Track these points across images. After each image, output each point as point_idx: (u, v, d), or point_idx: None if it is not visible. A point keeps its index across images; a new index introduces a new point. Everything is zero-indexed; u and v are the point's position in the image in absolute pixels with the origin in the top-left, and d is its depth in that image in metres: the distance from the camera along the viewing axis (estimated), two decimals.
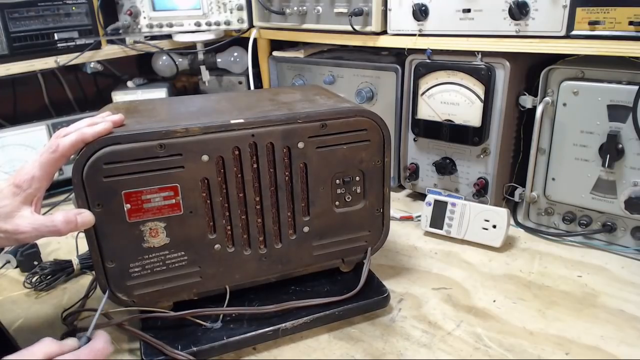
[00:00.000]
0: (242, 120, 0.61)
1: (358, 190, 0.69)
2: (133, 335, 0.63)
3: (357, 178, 0.68)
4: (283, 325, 0.64)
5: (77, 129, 0.57)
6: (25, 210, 0.55)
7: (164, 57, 1.27)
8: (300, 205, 0.66)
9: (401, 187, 1.08)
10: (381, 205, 0.71)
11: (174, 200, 0.60)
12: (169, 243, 0.62)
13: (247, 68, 1.19)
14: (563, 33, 0.78)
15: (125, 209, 0.58)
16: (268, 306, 0.65)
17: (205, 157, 0.60)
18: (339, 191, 0.68)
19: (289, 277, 0.70)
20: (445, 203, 0.88)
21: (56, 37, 1.06)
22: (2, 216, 0.53)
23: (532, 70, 0.90)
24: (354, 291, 0.67)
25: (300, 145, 0.64)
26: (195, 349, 0.60)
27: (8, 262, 0.82)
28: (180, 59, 1.27)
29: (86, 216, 0.56)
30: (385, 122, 0.68)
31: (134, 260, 0.61)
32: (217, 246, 0.64)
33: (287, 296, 0.69)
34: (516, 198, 0.93)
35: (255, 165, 0.63)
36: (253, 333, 0.63)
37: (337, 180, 0.67)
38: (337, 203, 0.68)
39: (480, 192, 0.93)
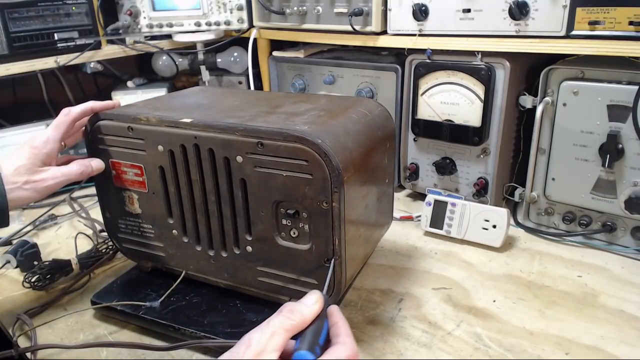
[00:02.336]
0: (188, 120, 0.62)
1: (306, 229, 0.59)
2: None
3: (304, 214, 0.59)
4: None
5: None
6: (45, 167, 0.64)
7: (164, 57, 1.27)
8: (243, 221, 0.63)
9: (401, 187, 1.08)
10: (330, 256, 0.59)
11: (141, 179, 0.68)
12: (142, 214, 0.71)
13: (247, 68, 1.19)
14: (563, 33, 0.78)
15: (112, 174, 0.70)
16: (161, 344, 0.62)
17: (160, 147, 0.64)
18: (283, 222, 0.61)
19: (236, 290, 0.68)
20: (445, 203, 0.88)
21: (56, 37, 1.06)
22: (27, 171, 0.63)
23: (532, 70, 0.90)
24: None
25: (239, 159, 0.59)
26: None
27: (8, 262, 0.82)
28: (180, 59, 1.27)
29: (98, 162, 0.69)
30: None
31: (121, 218, 0.73)
32: (174, 231, 0.69)
33: (222, 307, 0.68)
34: (516, 198, 0.93)
35: (200, 167, 0.63)
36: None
37: (282, 210, 0.60)
38: (282, 234, 0.61)
39: (480, 192, 0.93)
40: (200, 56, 1.23)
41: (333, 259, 0.59)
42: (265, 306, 0.66)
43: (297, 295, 0.63)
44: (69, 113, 0.68)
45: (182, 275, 0.71)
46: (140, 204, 0.70)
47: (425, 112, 0.94)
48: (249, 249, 0.64)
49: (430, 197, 0.90)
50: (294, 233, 0.61)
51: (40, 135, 0.66)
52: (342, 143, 0.58)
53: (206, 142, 0.61)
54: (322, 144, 0.54)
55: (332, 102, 0.72)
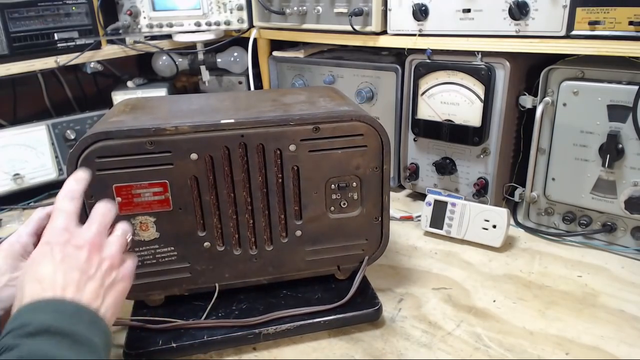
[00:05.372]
0: (232, 121, 0.60)
1: (355, 197, 0.66)
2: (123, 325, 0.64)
3: (354, 184, 0.66)
4: (265, 329, 0.63)
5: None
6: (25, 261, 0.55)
7: (164, 57, 1.27)
8: (293, 208, 0.65)
9: (401, 187, 1.08)
10: (379, 213, 0.68)
11: (163, 197, 0.61)
12: (159, 238, 0.63)
13: (247, 68, 1.19)
14: (563, 33, 0.78)
15: (116, 202, 0.59)
16: (250, 319, 0.63)
17: (194, 156, 0.60)
18: (334, 196, 0.66)
19: (280, 281, 0.69)
20: (445, 203, 0.88)
21: (56, 37, 1.06)
22: (9, 269, 0.54)
23: (532, 70, 0.90)
24: (342, 301, 0.65)
25: (292, 148, 0.62)
26: (174, 344, 0.61)
27: None
28: (180, 59, 1.27)
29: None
30: (386, 122, 0.66)
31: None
32: (206, 244, 0.64)
33: (277, 300, 0.68)
34: (516, 198, 0.93)
35: (245, 166, 0.62)
36: (233, 334, 0.62)
37: (332, 185, 0.65)
38: (332, 208, 0.66)
39: (480, 192, 0.93)
40: (200, 56, 1.23)
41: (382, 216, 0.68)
42: (311, 284, 0.70)
43: (345, 262, 0.69)
44: (43, 210, 0.59)
45: (217, 289, 0.67)
46: (159, 226, 0.62)
47: (425, 112, 0.94)
48: (298, 233, 0.66)
49: (430, 197, 0.90)
50: (344, 204, 0.66)
51: (11, 235, 0.58)
52: (372, 117, 0.65)
53: (255, 138, 0.61)
54: (374, 118, 0.64)
55: (313, 92, 0.77)
